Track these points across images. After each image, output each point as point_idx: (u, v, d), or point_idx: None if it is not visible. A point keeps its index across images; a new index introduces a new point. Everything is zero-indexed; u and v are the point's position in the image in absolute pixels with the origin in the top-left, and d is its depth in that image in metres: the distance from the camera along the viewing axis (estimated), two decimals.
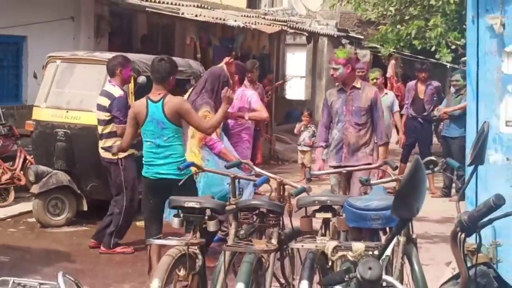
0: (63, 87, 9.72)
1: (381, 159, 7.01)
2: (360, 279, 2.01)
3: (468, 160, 3.13)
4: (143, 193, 6.85)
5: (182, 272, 4.63)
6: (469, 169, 3.19)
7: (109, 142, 7.92)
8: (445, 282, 2.98)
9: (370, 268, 1.99)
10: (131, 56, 9.06)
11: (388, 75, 17.87)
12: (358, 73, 11.72)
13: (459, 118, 10.85)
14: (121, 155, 7.80)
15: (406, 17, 15.76)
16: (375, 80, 11.57)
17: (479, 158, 3.05)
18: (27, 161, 10.34)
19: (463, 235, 2.66)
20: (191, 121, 6.45)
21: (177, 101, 6.44)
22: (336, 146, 7.40)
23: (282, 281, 5.32)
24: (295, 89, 22.49)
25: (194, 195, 6.25)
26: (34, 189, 9.06)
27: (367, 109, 7.26)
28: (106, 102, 8.01)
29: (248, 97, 8.03)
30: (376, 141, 7.44)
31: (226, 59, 7.96)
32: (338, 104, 7.37)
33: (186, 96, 7.77)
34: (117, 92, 7.92)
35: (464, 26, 15.14)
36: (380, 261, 2.30)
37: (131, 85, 8.94)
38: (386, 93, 12.01)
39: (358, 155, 7.31)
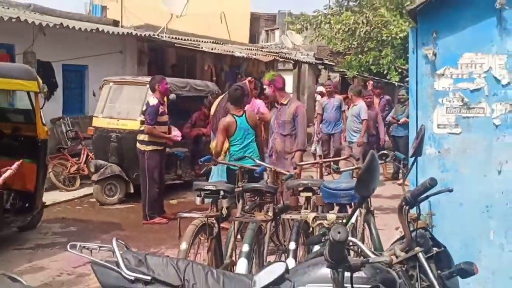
0: (114, 102, 9.75)
1: (296, 161, 6.46)
2: (332, 240, 2.02)
3: (410, 152, 3.15)
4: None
5: (203, 237, 4.64)
6: (411, 160, 3.20)
7: (141, 137, 7.97)
8: (394, 242, 2.99)
9: (339, 232, 2.00)
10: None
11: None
12: (326, 88, 12.36)
13: (404, 123, 10.90)
14: (148, 148, 7.82)
15: (365, 49, 15.72)
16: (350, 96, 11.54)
17: (418, 151, 3.07)
18: (89, 157, 10.36)
19: (407, 207, 2.67)
20: (257, 129, 6.97)
21: (254, 114, 7.16)
22: (269, 152, 7.01)
23: (277, 242, 5.34)
24: None
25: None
26: (94, 177, 9.08)
27: (290, 122, 6.62)
28: (144, 108, 8.10)
29: (257, 104, 8.07)
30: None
31: (249, 78, 8.20)
32: (272, 118, 6.93)
33: (216, 103, 7.85)
34: (152, 101, 7.92)
35: (408, 55, 15.22)
36: (347, 227, 2.31)
37: (166, 101, 8.95)
38: (356, 105, 11.11)
39: (283, 162, 6.65)
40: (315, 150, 12.57)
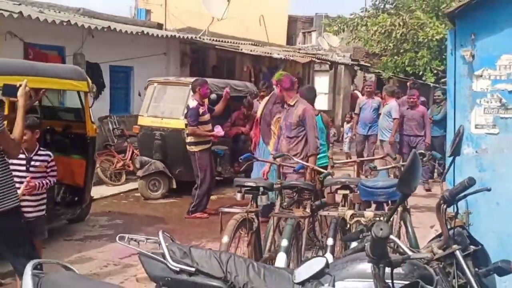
0: (158, 102, 9.87)
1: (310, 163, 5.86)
2: (374, 237, 2.00)
3: (448, 152, 3.11)
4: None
5: (243, 231, 4.67)
6: (449, 159, 3.16)
7: (188, 139, 8.04)
8: (431, 240, 2.95)
9: (381, 229, 1.99)
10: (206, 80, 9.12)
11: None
12: (366, 88, 11.71)
13: (440, 122, 10.71)
14: (197, 148, 7.89)
15: (401, 51, 15.53)
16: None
17: (457, 151, 3.02)
18: (134, 154, 10.50)
19: (445, 206, 2.64)
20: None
21: (326, 115, 7.10)
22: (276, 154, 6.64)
23: (313, 238, 5.33)
24: (321, 102, 22.30)
25: None
26: (139, 173, 9.21)
27: (297, 124, 6.11)
28: (185, 110, 8.18)
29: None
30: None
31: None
32: (282, 119, 6.45)
33: (262, 105, 7.81)
34: (191, 104, 7.99)
35: (443, 56, 14.96)
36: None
37: (206, 101, 9.01)
38: (387, 103, 10.96)
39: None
40: (348, 149, 12.40)
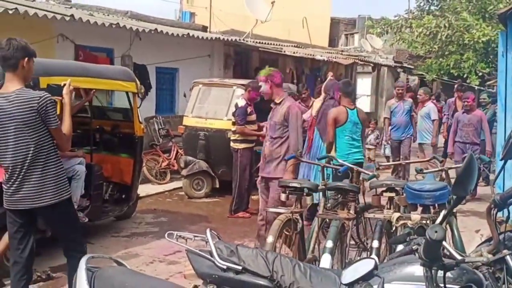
0: (203, 103, 9.94)
1: (287, 171, 5.51)
2: (429, 239, 1.97)
3: (500, 156, 3.03)
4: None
5: (288, 232, 4.65)
6: (499, 163, 3.08)
7: (234, 136, 8.10)
8: (480, 244, 2.89)
9: (436, 231, 1.96)
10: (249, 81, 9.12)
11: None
12: (398, 90, 10.65)
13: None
14: (241, 146, 7.92)
15: (446, 53, 15.26)
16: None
17: (509, 154, 2.95)
18: (179, 153, 10.61)
19: (495, 210, 2.58)
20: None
21: (363, 112, 6.97)
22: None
23: (357, 240, 5.27)
24: (363, 104, 22.08)
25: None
26: (184, 172, 9.30)
27: (281, 124, 5.70)
28: (234, 109, 8.23)
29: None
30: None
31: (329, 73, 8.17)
32: (268, 118, 6.12)
33: (316, 107, 7.72)
34: (240, 103, 8.06)
35: (489, 59, 14.63)
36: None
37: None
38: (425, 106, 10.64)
39: (270, 167, 5.80)
40: (388, 152, 11.99)
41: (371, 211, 4.85)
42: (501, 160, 3.03)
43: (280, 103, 5.84)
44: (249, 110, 8.03)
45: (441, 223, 2.41)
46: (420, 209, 4.62)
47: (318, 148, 7.55)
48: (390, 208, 4.81)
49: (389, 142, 10.99)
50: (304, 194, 4.94)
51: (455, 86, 12.69)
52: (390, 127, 10.72)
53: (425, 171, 5.29)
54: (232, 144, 8.13)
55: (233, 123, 8.20)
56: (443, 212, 3.85)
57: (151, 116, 11.35)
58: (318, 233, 4.79)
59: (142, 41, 10.82)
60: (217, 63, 13.41)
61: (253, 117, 8.13)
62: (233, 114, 8.22)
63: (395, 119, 10.57)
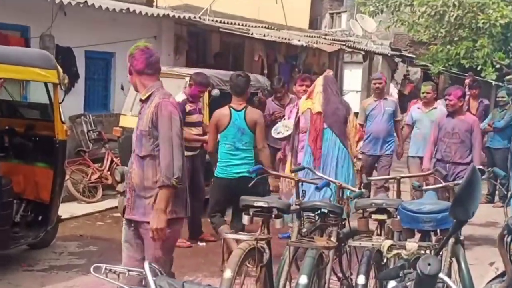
0: None
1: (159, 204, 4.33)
2: (420, 274, 2.00)
3: None
4: (216, 193, 7.04)
5: (251, 264, 4.66)
6: None
7: None
8: (491, 280, 2.94)
9: (429, 264, 1.98)
10: (207, 71, 9.14)
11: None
12: (375, 84, 9.87)
13: (503, 131, 10.70)
14: (187, 154, 7.84)
15: (456, 38, 15.55)
16: (425, 94, 9.53)
17: None
18: (114, 163, 10.53)
19: (509, 238, 2.63)
20: (258, 134, 6.88)
21: (257, 113, 7.03)
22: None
23: (340, 275, 5.32)
24: (351, 102, 22.33)
25: (261, 194, 6.48)
26: (120, 187, 9.14)
27: (149, 133, 4.49)
28: None
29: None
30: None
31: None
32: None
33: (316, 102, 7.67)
34: (178, 98, 7.94)
35: (510, 47, 14.96)
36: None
37: (206, 97, 9.04)
38: (435, 107, 9.52)
39: (141, 204, 4.53)
40: None
41: (356, 238, 4.88)
42: None
43: (147, 99, 4.58)
44: (188, 108, 7.95)
45: (437, 253, 2.45)
46: (418, 235, 4.68)
47: (333, 146, 7.36)
48: (380, 234, 4.86)
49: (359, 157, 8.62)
50: (273, 216, 4.96)
51: (466, 81, 12.87)
52: (364, 137, 8.96)
53: (424, 187, 5.37)
54: None
55: None
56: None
57: (78, 114, 11.25)
58: (290, 266, 4.82)
59: (67, 17, 10.72)
60: (165, 47, 13.37)
61: (196, 117, 8.06)
62: None
63: (371, 125, 9.60)
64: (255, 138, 6.91)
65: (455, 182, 5.37)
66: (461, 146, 7.98)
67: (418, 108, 9.82)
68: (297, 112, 7.62)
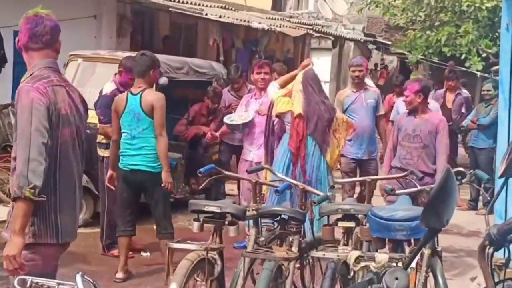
0: (83, 86, 9.74)
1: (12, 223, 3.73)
2: None
3: (498, 172, 3.11)
4: (118, 185, 7.12)
5: (200, 277, 4.64)
6: (499, 181, 3.17)
7: (99, 138, 7.97)
8: None
9: (396, 278, 1.98)
10: None
11: None
12: (354, 72, 9.30)
13: (488, 128, 10.79)
14: (106, 153, 7.79)
15: (436, 23, 15.69)
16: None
17: (510, 170, 3.04)
18: None
19: (491, 249, 2.65)
20: (156, 119, 6.78)
21: (155, 96, 6.92)
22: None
23: None
24: None
25: (166, 192, 6.85)
26: None
27: (15, 128, 3.95)
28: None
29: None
30: None
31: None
32: None
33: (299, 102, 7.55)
34: (106, 88, 7.87)
35: (497, 34, 15.11)
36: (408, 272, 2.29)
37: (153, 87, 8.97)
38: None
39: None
40: None
41: (320, 248, 4.89)
42: (500, 177, 3.12)
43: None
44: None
45: (407, 266, 2.45)
46: (389, 245, 4.71)
47: (313, 156, 7.36)
48: (347, 244, 4.88)
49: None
50: (226, 223, 4.95)
51: (446, 71, 13.00)
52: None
53: (397, 191, 5.40)
54: (98, 149, 7.99)
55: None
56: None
57: (5, 104, 11.08)
58: (245, 279, 4.81)
59: None
60: (106, 28, 13.24)
61: None
62: (95, 106, 8.04)
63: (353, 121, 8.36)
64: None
65: (432, 185, 5.40)
66: (424, 152, 7.40)
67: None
68: (270, 110, 7.52)
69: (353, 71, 9.31)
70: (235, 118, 8.51)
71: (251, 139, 8.31)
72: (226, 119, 8.61)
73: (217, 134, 8.83)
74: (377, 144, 9.43)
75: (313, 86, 7.26)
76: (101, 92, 8.00)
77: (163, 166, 6.71)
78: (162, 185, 6.72)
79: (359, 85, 9.23)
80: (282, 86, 7.50)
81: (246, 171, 6.37)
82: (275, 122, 7.47)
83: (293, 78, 7.47)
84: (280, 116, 7.29)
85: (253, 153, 8.18)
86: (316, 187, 6.63)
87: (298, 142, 7.09)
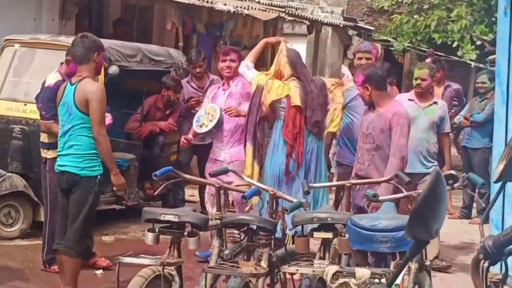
0: (21, 76, 9.72)
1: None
2: None
3: (494, 175, 3.14)
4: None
5: None
6: (495, 186, 3.19)
7: (41, 137, 7.90)
8: None
9: None
10: (103, 43, 9.02)
11: None
12: (361, 60, 8.45)
13: (483, 126, 10.86)
14: (50, 155, 7.73)
15: (425, 6, 15.83)
16: (419, 81, 8.75)
17: (508, 173, 3.06)
18: None
19: (486, 263, 2.67)
20: (92, 115, 6.52)
21: (91, 87, 6.60)
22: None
23: None
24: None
25: (95, 199, 6.70)
26: None
27: None
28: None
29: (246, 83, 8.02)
30: None
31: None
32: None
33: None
34: (49, 80, 7.81)
35: (494, 19, 15.27)
36: None
37: (101, 77, 8.93)
38: (435, 102, 8.88)
39: None
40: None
41: (293, 263, 4.91)
42: (496, 182, 3.14)
43: None
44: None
45: (391, 282, 2.47)
46: (371, 259, 4.73)
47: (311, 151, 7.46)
48: (324, 258, 4.89)
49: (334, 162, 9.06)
50: (186, 233, 4.95)
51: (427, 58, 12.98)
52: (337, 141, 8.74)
53: (381, 197, 5.42)
54: (41, 149, 7.93)
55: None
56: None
57: None
58: None
59: None
60: (48, 9, 13.15)
61: None
62: (36, 99, 8.01)
63: (353, 123, 8.17)
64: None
65: (419, 191, 5.42)
66: (377, 155, 6.93)
67: (411, 100, 8.86)
68: (254, 97, 7.54)
69: (360, 58, 8.48)
70: (204, 120, 8.32)
71: (221, 136, 8.21)
72: (196, 127, 8.38)
73: (191, 136, 8.61)
74: None
75: (304, 72, 7.38)
76: (43, 83, 7.94)
77: (110, 168, 6.64)
78: (114, 189, 6.66)
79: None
80: (255, 62, 7.54)
81: (209, 174, 6.35)
82: (263, 110, 7.45)
83: (262, 48, 7.56)
84: (273, 104, 7.33)
85: (225, 152, 8.11)
86: (317, 179, 6.69)
87: (295, 134, 7.27)
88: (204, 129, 8.24)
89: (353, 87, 8.01)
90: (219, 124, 8.08)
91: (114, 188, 6.68)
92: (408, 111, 7.66)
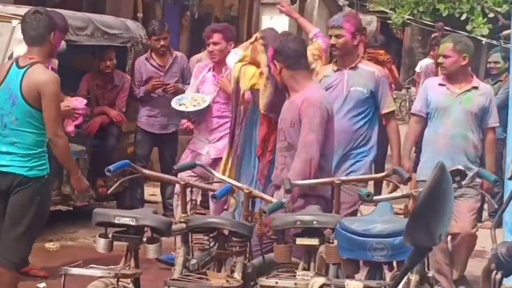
0: None
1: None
2: None
3: (508, 171, 3.17)
4: None
5: None
6: (509, 184, 3.22)
7: None
8: None
9: None
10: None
11: None
12: (330, 38, 7.87)
13: (498, 112, 10.90)
14: None
15: None
16: (442, 60, 7.99)
17: None
18: None
19: (499, 274, 2.69)
20: (45, 111, 6.23)
21: (44, 76, 6.29)
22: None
23: None
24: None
25: (43, 201, 6.42)
26: None
27: None
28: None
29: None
30: None
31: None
32: None
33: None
34: None
35: None
36: None
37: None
38: (475, 86, 8.03)
39: None
40: None
41: (272, 274, 4.93)
42: (510, 179, 3.17)
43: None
44: None
45: None
46: (365, 269, 4.76)
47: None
48: (308, 268, 4.91)
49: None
50: (145, 239, 4.96)
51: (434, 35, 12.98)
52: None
53: (376, 197, 5.44)
54: None
55: None
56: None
57: None
58: None
59: None
60: None
61: None
62: None
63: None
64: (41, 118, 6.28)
65: (420, 189, 5.44)
66: (290, 157, 6.50)
67: (441, 85, 8.13)
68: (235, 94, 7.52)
69: (329, 36, 7.91)
70: (186, 102, 8.22)
71: (207, 128, 8.17)
72: (174, 103, 8.31)
73: (190, 124, 8.49)
74: (372, 149, 7.73)
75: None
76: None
77: (70, 171, 6.54)
78: (77, 192, 6.59)
79: (342, 60, 7.78)
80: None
81: (173, 169, 6.36)
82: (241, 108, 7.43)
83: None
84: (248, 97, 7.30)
85: (210, 146, 8.08)
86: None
87: (264, 136, 7.12)
88: (182, 108, 8.14)
89: (330, 74, 7.68)
90: (202, 114, 8.04)
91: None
92: (438, 99, 7.79)
